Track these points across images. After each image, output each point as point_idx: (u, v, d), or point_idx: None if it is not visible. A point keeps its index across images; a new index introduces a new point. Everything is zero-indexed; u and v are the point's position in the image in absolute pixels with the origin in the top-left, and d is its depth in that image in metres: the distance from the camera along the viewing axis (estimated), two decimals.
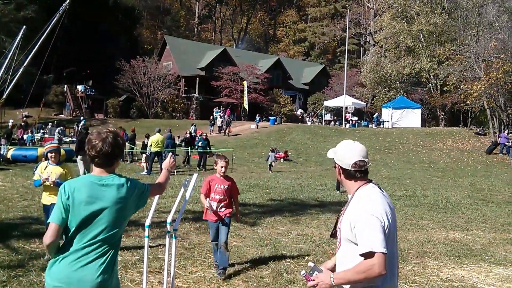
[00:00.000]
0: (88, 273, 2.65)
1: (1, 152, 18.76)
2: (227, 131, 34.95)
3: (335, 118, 45.19)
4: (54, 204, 5.80)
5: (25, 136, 27.46)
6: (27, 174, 15.62)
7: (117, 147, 2.86)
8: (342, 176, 2.77)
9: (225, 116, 37.63)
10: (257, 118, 38.23)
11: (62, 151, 20.70)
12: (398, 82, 48.50)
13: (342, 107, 41.58)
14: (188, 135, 24.01)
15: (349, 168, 2.71)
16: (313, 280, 2.56)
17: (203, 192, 6.03)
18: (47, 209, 6.28)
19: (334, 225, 2.78)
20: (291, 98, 50.86)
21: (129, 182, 2.88)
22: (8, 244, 6.74)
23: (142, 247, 6.95)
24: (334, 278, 2.52)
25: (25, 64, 21.55)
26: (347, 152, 2.74)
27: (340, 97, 42.32)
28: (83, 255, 2.69)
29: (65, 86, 46.48)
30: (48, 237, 2.69)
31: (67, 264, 2.67)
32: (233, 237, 8.01)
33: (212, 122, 36.92)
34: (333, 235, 2.77)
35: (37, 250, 6.66)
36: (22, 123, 29.25)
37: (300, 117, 46.59)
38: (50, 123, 32.72)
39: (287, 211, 10.68)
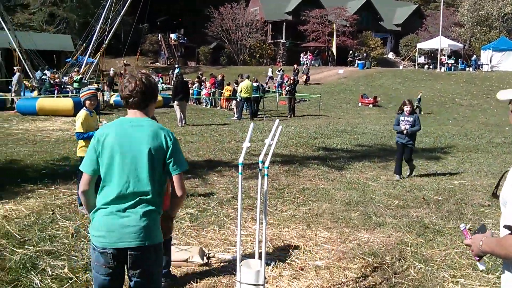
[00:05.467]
0: (129, 220, 2.56)
1: (105, 98, 20.34)
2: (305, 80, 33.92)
3: (429, 61, 42.56)
4: None
5: None
6: None
7: (149, 87, 2.71)
8: None
9: (308, 61, 36.50)
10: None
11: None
12: (499, 22, 44.15)
13: (437, 50, 38.98)
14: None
15: None
16: (470, 239, 2.29)
17: None
18: None
19: (497, 183, 2.38)
20: (382, 41, 48.51)
21: (163, 130, 2.69)
22: None
23: (235, 186, 7.39)
24: (483, 243, 2.16)
25: (121, 14, 22.58)
26: None
27: (435, 39, 39.55)
28: (120, 209, 2.58)
29: (159, 35, 48.21)
30: (81, 186, 2.69)
31: (105, 216, 2.59)
32: (320, 180, 8.19)
33: (296, 71, 35.60)
34: (495, 194, 2.39)
35: None
36: (122, 72, 31.11)
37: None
38: (147, 71, 34.41)
39: (376, 157, 10.59)
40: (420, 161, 10.29)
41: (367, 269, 4.51)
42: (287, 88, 22.63)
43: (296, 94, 22.39)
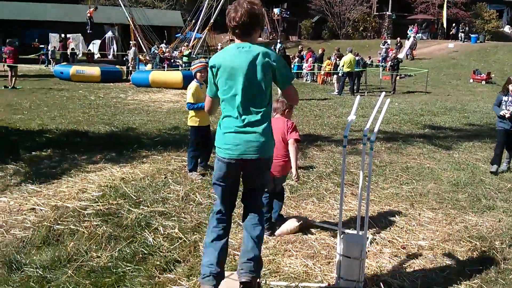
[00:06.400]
0: (251, 137, 2.97)
1: None
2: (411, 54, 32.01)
3: None
4: (201, 126, 6.36)
5: None
6: None
7: (254, 16, 2.96)
8: None
9: (411, 35, 34.46)
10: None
11: None
12: None
13: None
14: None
15: None
16: None
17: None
18: (196, 130, 6.44)
19: None
20: (497, 13, 44.27)
21: (269, 50, 3.01)
22: None
23: (335, 161, 7.37)
24: None
25: None
26: None
27: None
28: (242, 125, 2.97)
29: (263, 9, 48.59)
30: (205, 107, 3.29)
31: (230, 132, 2.99)
32: (426, 159, 7.87)
33: (399, 44, 33.67)
34: None
35: None
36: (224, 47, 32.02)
37: None
38: None
39: (488, 137, 9.86)
40: None
41: (474, 253, 4.32)
42: (389, 63, 21.78)
43: (399, 69, 21.41)
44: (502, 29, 44.00)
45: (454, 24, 39.40)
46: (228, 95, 3.00)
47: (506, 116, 6.97)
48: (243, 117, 2.98)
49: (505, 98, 7.07)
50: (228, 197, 3.19)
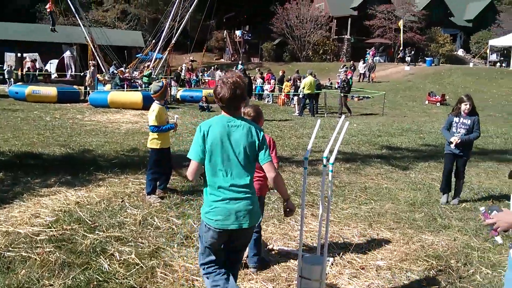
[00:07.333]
0: (240, 207, 3.08)
1: (172, 93, 20.97)
2: (370, 77, 33.01)
3: (502, 59, 40.18)
4: (162, 148, 6.32)
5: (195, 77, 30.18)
6: (194, 113, 17.27)
7: (237, 94, 3.10)
8: None
9: (369, 58, 35.43)
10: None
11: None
12: None
13: (510, 47, 36.72)
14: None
15: None
16: (491, 219, 2.41)
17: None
18: (157, 152, 6.36)
19: None
20: (451, 37, 46.47)
21: (254, 127, 3.17)
22: (180, 173, 7.68)
23: (295, 182, 7.40)
24: None
25: (190, 12, 23.12)
26: None
27: (509, 35, 37.20)
28: (231, 197, 3.07)
29: (225, 31, 49.03)
30: (191, 174, 3.12)
31: (220, 203, 3.08)
32: (383, 179, 8.03)
33: (352, 67, 34.15)
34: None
35: None
36: (189, 67, 31.91)
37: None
38: (212, 67, 35.14)
39: (443, 157, 10.15)
40: (490, 163, 9.83)
41: (431, 272, 4.39)
42: (337, 85, 22.08)
43: (350, 91, 21.58)
44: (455, 52, 46.07)
45: (401, 48, 40.77)
46: (216, 167, 3.09)
47: (455, 143, 6.51)
48: (233, 188, 3.09)
49: (456, 119, 6.59)
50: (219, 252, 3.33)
